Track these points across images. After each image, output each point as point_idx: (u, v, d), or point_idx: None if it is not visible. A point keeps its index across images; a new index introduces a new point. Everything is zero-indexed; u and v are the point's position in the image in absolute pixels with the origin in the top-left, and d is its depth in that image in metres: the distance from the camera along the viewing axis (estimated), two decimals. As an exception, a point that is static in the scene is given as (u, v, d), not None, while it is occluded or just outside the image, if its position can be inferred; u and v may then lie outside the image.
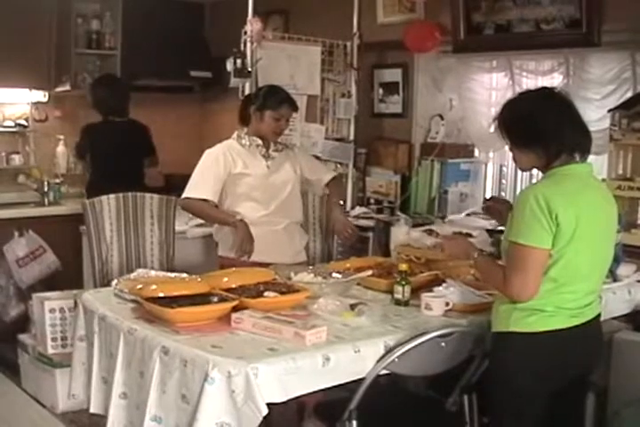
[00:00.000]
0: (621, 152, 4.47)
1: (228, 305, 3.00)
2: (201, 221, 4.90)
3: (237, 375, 2.48)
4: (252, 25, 5.09)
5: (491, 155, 5.68)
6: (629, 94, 4.61)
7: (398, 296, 3.28)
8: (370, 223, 5.37)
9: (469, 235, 3.75)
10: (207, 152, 4.22)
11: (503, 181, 5.66)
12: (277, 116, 4.17)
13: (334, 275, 3.53)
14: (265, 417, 2.50)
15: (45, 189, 6.23)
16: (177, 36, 6.52)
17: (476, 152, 5.72)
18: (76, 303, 3.50)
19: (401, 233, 4.17)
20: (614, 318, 3.64)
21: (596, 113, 4.67)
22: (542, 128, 2.73)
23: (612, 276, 3.64)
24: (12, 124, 6.31)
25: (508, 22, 5.07)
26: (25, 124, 6.35)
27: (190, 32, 6.78)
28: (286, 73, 5.39)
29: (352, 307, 3.09)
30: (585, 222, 2.67)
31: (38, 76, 6.05)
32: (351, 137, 5.87)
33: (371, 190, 5.99)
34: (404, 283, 3.27)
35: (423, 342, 2.83)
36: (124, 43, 6.42)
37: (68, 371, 3.50)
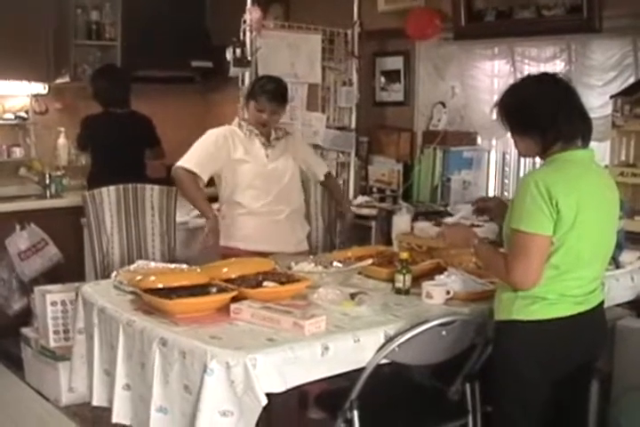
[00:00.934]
0: (624, 138, 4.44)
1: (227, 296, 2.98)
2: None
3: (236, 366, 2.47)
4: (252, 14, 5.07)
5: (493, 142, 5.65)
6: (631, 80, 4.58)
7: (399, 285, 3.26)
8: (372, 212, 5.35)
9: (477, 225, 3.72)
10: (210, 131, 4.24)
11: (506, 169, 5.63)
12: (259, 107, 4.16)
13: (335, 264, 3.52)
14: (266, 407, 2.50)
15: (47, 181, 6.19)
16: (177, 25, 6.47)
17: (479, 140, 5.68)
18: (77, 296, 3.47)
19: (403, 222, 4.15)
20: (617, 306, 3.63)
21: (598, 99, 4.65)
22: (538, 114, 2.71)
23: (615, 263, 3.61)
24: (13, 116, 6.27)
25: (509, 8, 5.03)
26: (25, 116, 6.31)
27: (191, 21, 6.72)
28: (287, 62, 5.37)
29: (352, 296, 3.08)
30: (586, 209, 2.65)
31: (38, 69, 6.02)
32: (353, 125, 5.84)
33: (373, 179, 5.97)
34: (404, 271, 3.25)
35: (424, 331, 2.81)
36: (124, 33, 6.38)
37: (70, 364, 3.50)
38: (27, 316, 5.05)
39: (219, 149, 4.14)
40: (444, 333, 2.88)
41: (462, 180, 5.48)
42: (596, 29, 4.60)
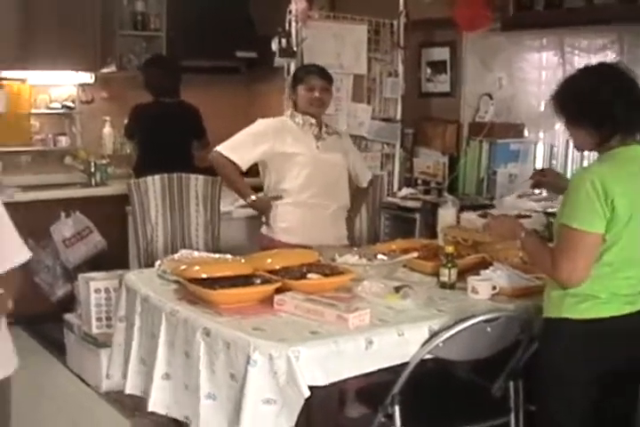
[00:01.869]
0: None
1: (271, 287, 2.97)
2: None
3: (279, 358, 2.47)
4: (298, 4, 5.03)
5: (541, 135, 5.54)
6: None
7: (444, 279, 3.22)
8: (417, 204, 5.29)
9: (525, 216, 3.65)
10: (260, 120, 4.24)
11: (553, 162, 5.51)
12: (307, 87, 4.14)
13: (379, 257, 3.49)
14: (307, 399, 2.49)
15: (92, 169, 6.22)
16: (222, 15, 6.44)
17: (526, 132, 5.58)
18: (121, 284, 3.49)
19: (448, 215, 4.10)
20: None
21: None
22: (594, 104, 2.64)
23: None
24: (59, 105, 6.32)
25: (559, -4, 4.92)
26: (71, 105, 6.36)
27: (236, 11, 6.69)
28: (332, 52, 5.32)
29: (397, 290, 3.04)
30: (642, 207, 2.59)
31: (84, 58, 6.04)
32: (398, 117, 5.77)
33: (418, 171, 5.90)
34: (450, 266, 3.21)
35: (469, 327, 2.77)
36: (169, 24, 6.40)
37: (112, 351, 3.53)
38: (70, 302, 5.09)
39: (264, 139, 4.11)
40: (488, 329, 2.84)
41: (508, 173, 5.39)
42: (651, 19, 4.49)
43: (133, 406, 4.07)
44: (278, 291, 2.96)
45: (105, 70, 6.24)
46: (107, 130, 6.44)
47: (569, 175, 4.59)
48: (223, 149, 4.13)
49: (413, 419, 2.90)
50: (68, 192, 5.97)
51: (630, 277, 2.67)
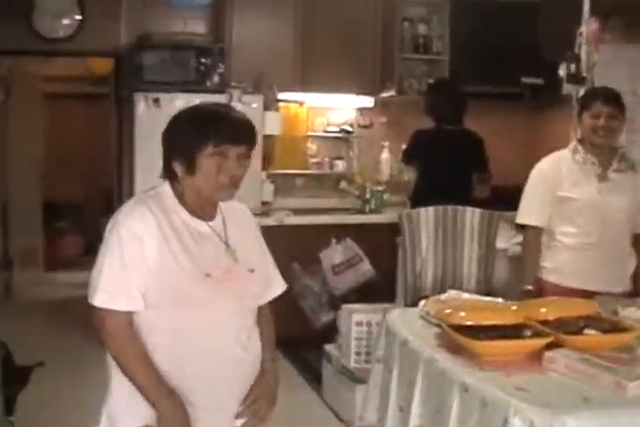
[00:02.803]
0: None
1: (542, 341, 2.69)
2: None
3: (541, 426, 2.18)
4: (589, 26, 4.65)
5: None
6: None
7: None
8: None
9: None
10: (535, 168, 3.87)
11: None
12: (593, 113, 3.69)
13: (673, 311, 3.05)
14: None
15: (367, 196, 6.18)
16: (507, 39, 6.13)
17: None
18: (384, 319, 3.34)
19: None
20: None
21: None
22: None
23: None
24: (337, 129, 6.33)
25: None
26: (349, 129, 6.35)
27: (521, 35, 6.36)
28: (626, 78, 4.86)
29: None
30: None
31: (364, 82, 6.01)
32: None
33: None
34: None
35: None
36: (452, 47, 6.22)
37: (367, 388, 3.40)
38: (332, 330, 4.99)
39: (547, 187, 3.77)
40: None
41: None
42: None
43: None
44: (549, 346, 2.66)
45: (384, 94, 6.14)
46: (384, 155, 6.35)
47: None
48: (518, 218, 3.85)
49: None
50: (341, 218, 5.94)
51: None
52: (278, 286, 2.48)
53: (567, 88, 4.73)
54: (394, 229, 4.94)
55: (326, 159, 6.34)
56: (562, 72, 4.72)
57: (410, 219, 4.33)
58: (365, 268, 5.48)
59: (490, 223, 4.40)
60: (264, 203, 5.83)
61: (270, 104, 5.69)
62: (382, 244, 5.48)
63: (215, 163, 2.13)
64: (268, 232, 5.31)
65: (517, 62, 6.17)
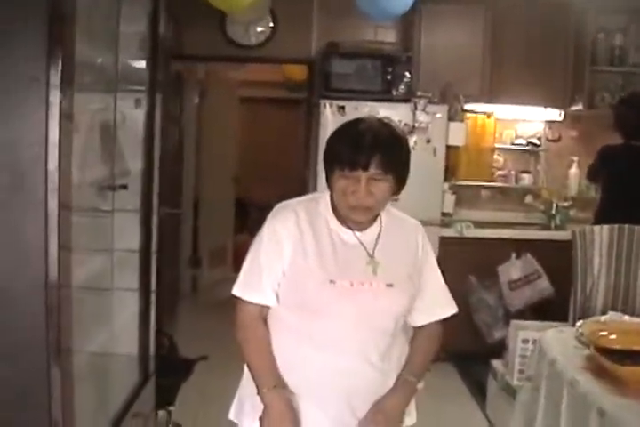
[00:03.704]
0: None
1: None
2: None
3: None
4: None
5: None
6: None
7: None
8: None
9: None
10: None
11: None
12: None
13: None
14: None
15: (552, 211, 6.03)
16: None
17: None
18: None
19: None
20: None
21: None
22: None
23: None
24: (524, 142, 6.20)
25: None
26: (537, 143, 6.21)
27: None
28: None
29: None
30: None
31: (553, 94, 5.84)
32: None
33: None
34: None
35: None
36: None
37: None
38: (504, 346, 4.91)
39: None
40: None
41: None
42: None
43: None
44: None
45: (573, 108, 5.96)
46: (573, 171, 6.15)
47: None
48: None
49: None
50: (523, 233, 5.81)
51: None
52: (444, 308, 2.41)
53: None
54: (577, 247, 4.80)
55: (512, 172, 6.22)
56: None
57: (583, 236, 4.18)
58: (543, 285, 5.36)
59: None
60: (444, 214, 5.79)
61: (455, 114, 5.64)
62: (563, 261, 5.28)
63: (343, 185, 2.15)
64: (447, 243, 5.43)
65: None
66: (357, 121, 2.23)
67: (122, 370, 3.40)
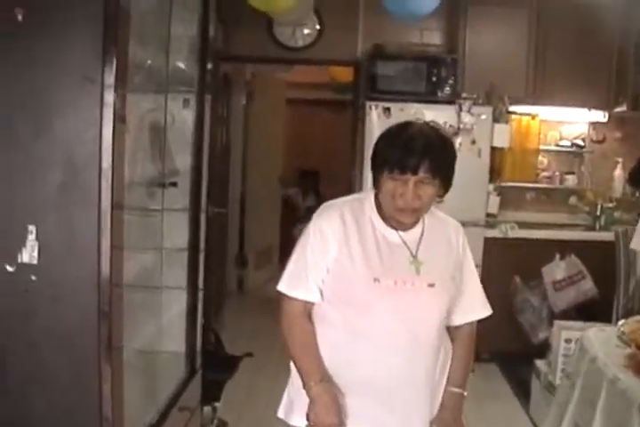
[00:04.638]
0: None
1: None
2: None
3: None
4: None
5: None
6: None
7: None
8: None
9: None
10: None
11: None
12: None
13: None
14: None
15: (597, 212, 6.03)
16: None
17: None
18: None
19: None
20: None
21: None
22: None
23: None
24: (569, 143, 6.20)
25: None
26: (581, 144, 6.20)
27: None
28: None
29: None
30: None
31: (597, 96, 5.83)
32: None
33: None
34: None
35: None
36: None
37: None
38: (548, 346, 4.92)
39: None
40: None
41: None
42: None
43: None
44: None
45: (617, 109, 5.93)
46: (617, 172, 6.13)
47: None
48: None
49: None
50: (568, 233, 5.81)
51: None
52: (481, 310, 2.44)
53: None
54: (621, 248, 4.80)
55: (557, 173, 6.22)
56: None
57: (626, 237, 4.21)
58: (588, 286, 5.35)
59: None
60: (489, 215, 5.81)
61: (500, 116, 5.66)
62: (606, 262, 5.30)
63: (391, 187, 2.19)
64: (491, 244, 5.45)
65: None
66: (407, 124, 2.25)
67: (169, 365, 3.45)
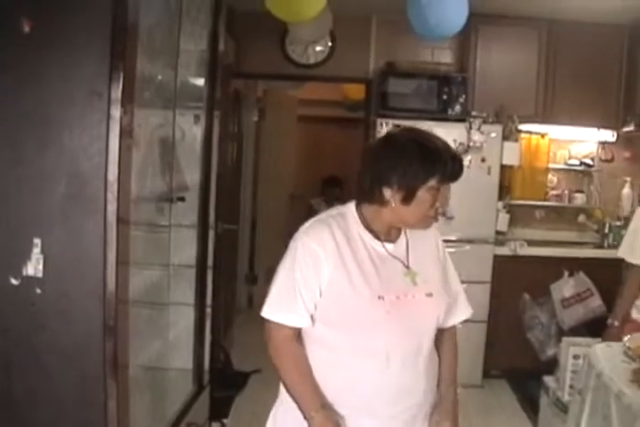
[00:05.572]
0: None
1: None
2: None
3: None
4: None
5: None
6: None
7: None
8: None
9: None
10: None
11: None
12: None
13: None
14: None
15: (605, 230, 6.04)
16: None
17: None
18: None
19: None
20: None
21: None
22: None
23: None
24: (578, 162, 6.21)
25: None
26: (590, 163, 6.21)
27: None
28: None
29: None
30: None
31: (605, 116, 5.86)
32: None
33: None
34: None
35: None
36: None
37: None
38: (555, 363, 4.92)
39: None
40: None
41: None
42: None
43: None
44: None
45: (625, 129, 5.94)
46: (626, 191, 6.14)
47: None
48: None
49: None
50: (576, 251, 5.83)
51: None
52: (465, 310, 2.43)
53: None
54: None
55: (566, 192, 6.23)
56: None
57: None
58: (596, 303, 5.36)
59: None
60: (498, 232, 5.81)
61: (510, 134, 5.69)
62: (616, 280, 5.32)
63: (432, 196, 2.15)
64: (500, 261, 5.46)
65: None
66: (425, 134, 2.21)
67: (177, 381, 3.44)
